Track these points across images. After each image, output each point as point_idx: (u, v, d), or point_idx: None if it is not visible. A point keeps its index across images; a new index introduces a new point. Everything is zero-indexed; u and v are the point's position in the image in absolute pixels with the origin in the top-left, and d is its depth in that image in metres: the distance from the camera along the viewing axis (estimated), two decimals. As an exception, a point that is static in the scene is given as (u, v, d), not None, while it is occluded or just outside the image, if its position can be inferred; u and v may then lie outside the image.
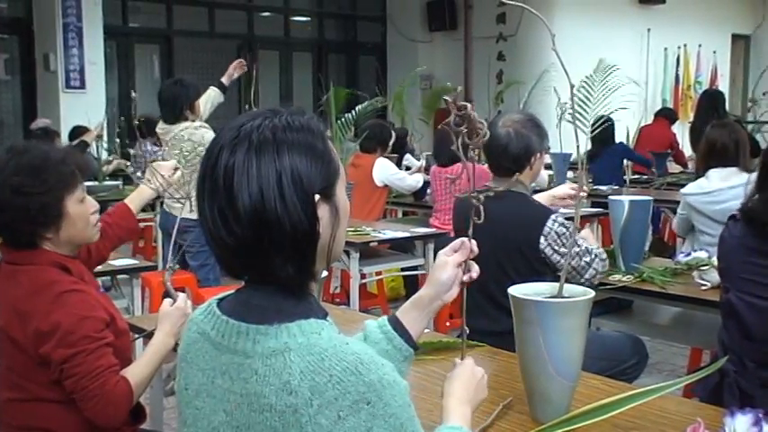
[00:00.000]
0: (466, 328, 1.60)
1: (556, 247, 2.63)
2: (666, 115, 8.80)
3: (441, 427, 1.41)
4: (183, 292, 2.17)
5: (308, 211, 1.13)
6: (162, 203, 4.92)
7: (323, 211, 1.16)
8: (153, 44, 10.62)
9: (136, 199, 2.51)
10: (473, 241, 1.51)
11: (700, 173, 3.85)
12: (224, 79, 5.13)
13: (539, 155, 2.78)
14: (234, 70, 5.19)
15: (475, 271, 1.52)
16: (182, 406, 1.25)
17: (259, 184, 1.11)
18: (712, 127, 3.89)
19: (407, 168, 7.16)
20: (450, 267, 1.51)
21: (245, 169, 1.12)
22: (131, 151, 7.85)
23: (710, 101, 6.65)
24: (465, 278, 1.52)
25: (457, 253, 1.51)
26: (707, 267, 2.94)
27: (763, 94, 9.01)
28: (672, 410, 1.79)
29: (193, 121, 4.54)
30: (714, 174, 3.70)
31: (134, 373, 1.93)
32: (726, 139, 3.72)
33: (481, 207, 1.49)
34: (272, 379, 1.09)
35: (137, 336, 2.45)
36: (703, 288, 2.92)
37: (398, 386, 1.11)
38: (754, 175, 2.33)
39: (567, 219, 2.71)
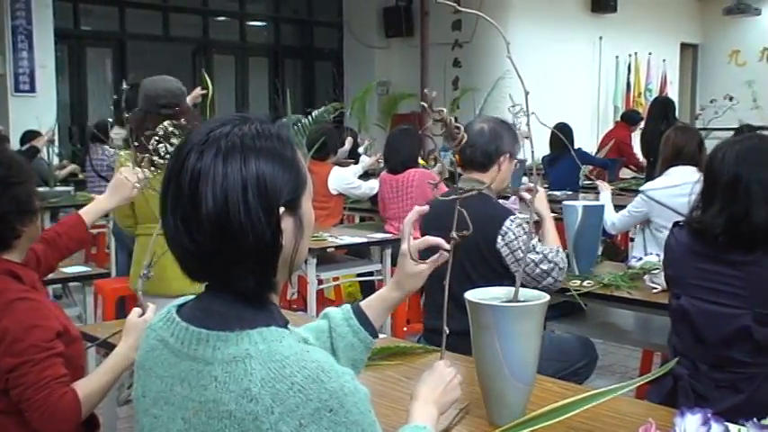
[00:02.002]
0: (446, 328, 1.62)
1: (512, 248, 2.64)
2: (626, 118, 8.96)
3: (404, 427, 1.43)
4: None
5: (272, 223, 1.13)
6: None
7: (287, 224, 1.15)
8: (105, 48, 10.48)
9: (91, 210, 2.42)
10: (443, 253, 1.57)
11: (658, 173, 3.93)
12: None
13: (508, 156, 2.81)
14: (197, 96, 5.13)
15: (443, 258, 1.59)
16: (139, 414, 1.24)
17: (224, 191, 1.10)
18: (675, 131, 3.97)
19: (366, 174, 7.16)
20: (422, 279, 1.60)
21: (211, 176, 1.11)
22: (91, 150, 7.70)
23: (661, 108, 6.78)
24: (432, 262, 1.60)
25: (428, 265, 1.59)
26: (658, 271, 3.00)
27: (711, 101, 9.23)
28: (625, 411, 1.82)
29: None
30: (675, 171, 3.78)
31: (85, 385, 1.87)
32: (692, 144, 3.81)
33: (464, 212, 1.53)
34: (232, 386, 1.08)
35: (89, 344, 2.41)
36: (654, 291, 2.97)
37: (359, 393, 1.11)
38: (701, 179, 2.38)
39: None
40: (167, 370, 1.18)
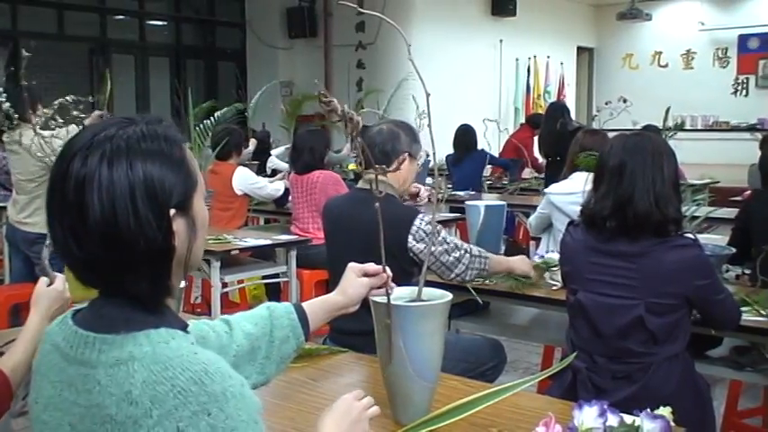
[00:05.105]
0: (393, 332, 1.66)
1: (426, 244, 2.69)
2: (530, 121, 9.22)
3: None
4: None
5: (163, 227, 1.10)
6: (7, 217, 4.66)
7: (179, 225, 1.13)
8: (-4, 46, 10.05)
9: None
10: (388, 270, 1.71)
11: (564, 175, 4.03)
12: (87, 122, 4.92)
13: (407, 156, 2.84)
14: (97, 119, 4.99)
15: (392, 288, 1.72)
16: (32, 421, 1.20)
17: (111, 197, 1.07)
18: (585, 134, 4.08)
19: (273, 172, 7.08)
20: (364, 288, 1.70)
21: (97, 181, 1.07)
22: None
23: (555, 110, 7.08)
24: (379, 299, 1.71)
25: (375, 278, 1.71)
26: (557, 268, 3.09)
27: (606, 103, 9.56)
28: (526, 406, 1.86)
29: (43, 128, 4.32)
30: (579, 176, 3.88)
31: (7, 360, 1.78)
32: (599, 146, 3.91)
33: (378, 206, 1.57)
34: (114, 389, 1.05)
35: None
36: (554, 288, 3.05)
37: (245, 401, 1.09)
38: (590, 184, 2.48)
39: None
40: (57, 375, 1.14)
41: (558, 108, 7.24)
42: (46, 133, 4.30)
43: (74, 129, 4.67)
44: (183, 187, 1.14)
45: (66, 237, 1.10)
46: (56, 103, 4.27)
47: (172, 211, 1.11)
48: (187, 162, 1.16)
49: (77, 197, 1.08)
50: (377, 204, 1.61)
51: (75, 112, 4.25)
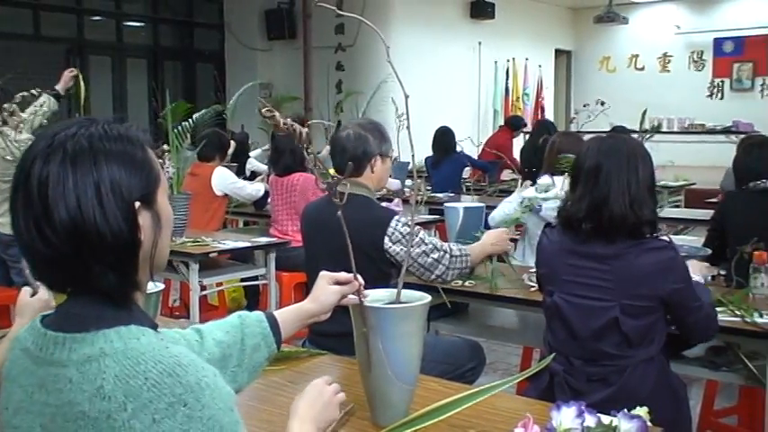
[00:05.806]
0: (365, 329, 1.63)
1: (403, 245, 2.69)
2: (509, 123, 9.30)
3: None
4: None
5: (129, 220, 1.11)
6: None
7: (144, 219, 1.14)
8: (-30, 47, 9.94)
9: None
10: (359, 278, 1.71)
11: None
12: (59, 87, 4.90)
13: (379, 158, 2.84)
14: (69, 78, 4.97)
15: (365, 296, 1.73)
16: (3, 427, 1.20)
17: (76, 196, 1.08)
18: (560, 136, 4.10)
19: (253, 174, 7.05)
20: (335, 296, 1.70)
21: (61, 181, 1.08)
22: None
23: (542, 128, 7.37)
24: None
25: (346, 286, 1.71)
26: (534, 270, 3.10)
27: (584, 105, 9.62)
28: (505, 407, 1.87)
29: (16, 128, 4.28)
30: (556, 180, 3.90)
31: None
32: (576, 150, 3.93)
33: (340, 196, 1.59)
34: (86, 386, 1.06)
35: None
36: (532, 289, 3.07)
37: (219, 390, 1.10)
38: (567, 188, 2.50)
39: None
40: (28, 378, 1.15)
41: (545, 126, 7.49)
42: (23, 137, 4.26)
43: (47, 98, 4.64)
44: (147, 183, 1.15)
45: (32, 235, 1.10)
46: (18, 96, 4.25)
47: (137, 204, 1.13)
48: (149, 159, 1.18)
49: (42, 196, 1.09)
50: (339, 213, 1.61)
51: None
